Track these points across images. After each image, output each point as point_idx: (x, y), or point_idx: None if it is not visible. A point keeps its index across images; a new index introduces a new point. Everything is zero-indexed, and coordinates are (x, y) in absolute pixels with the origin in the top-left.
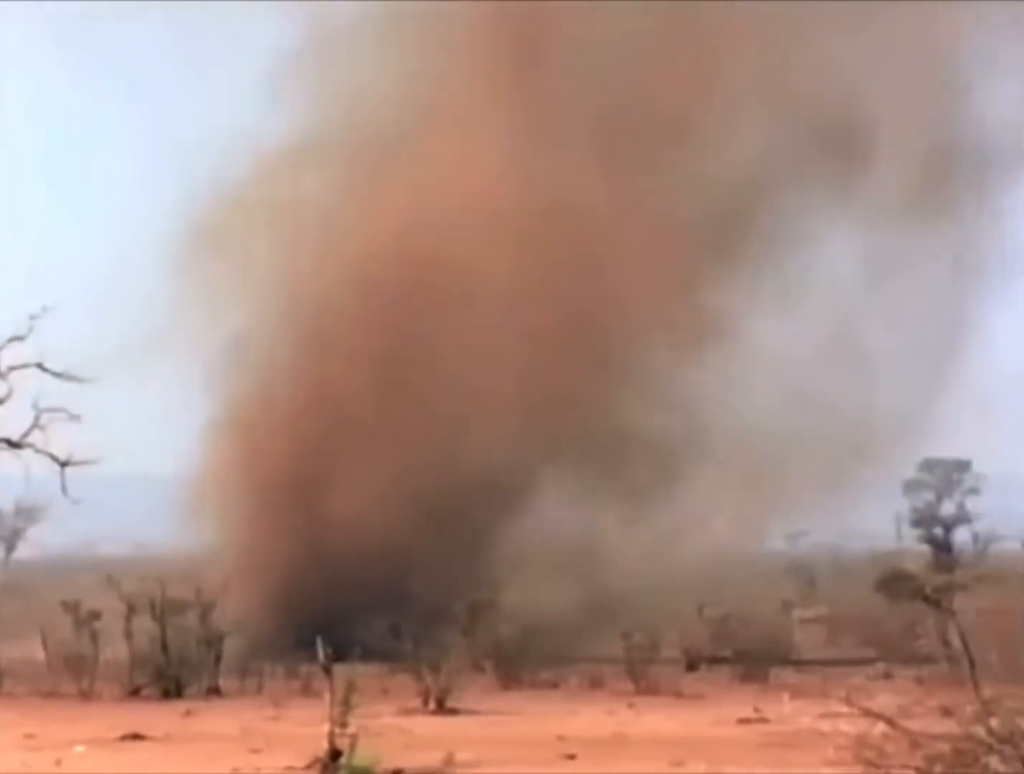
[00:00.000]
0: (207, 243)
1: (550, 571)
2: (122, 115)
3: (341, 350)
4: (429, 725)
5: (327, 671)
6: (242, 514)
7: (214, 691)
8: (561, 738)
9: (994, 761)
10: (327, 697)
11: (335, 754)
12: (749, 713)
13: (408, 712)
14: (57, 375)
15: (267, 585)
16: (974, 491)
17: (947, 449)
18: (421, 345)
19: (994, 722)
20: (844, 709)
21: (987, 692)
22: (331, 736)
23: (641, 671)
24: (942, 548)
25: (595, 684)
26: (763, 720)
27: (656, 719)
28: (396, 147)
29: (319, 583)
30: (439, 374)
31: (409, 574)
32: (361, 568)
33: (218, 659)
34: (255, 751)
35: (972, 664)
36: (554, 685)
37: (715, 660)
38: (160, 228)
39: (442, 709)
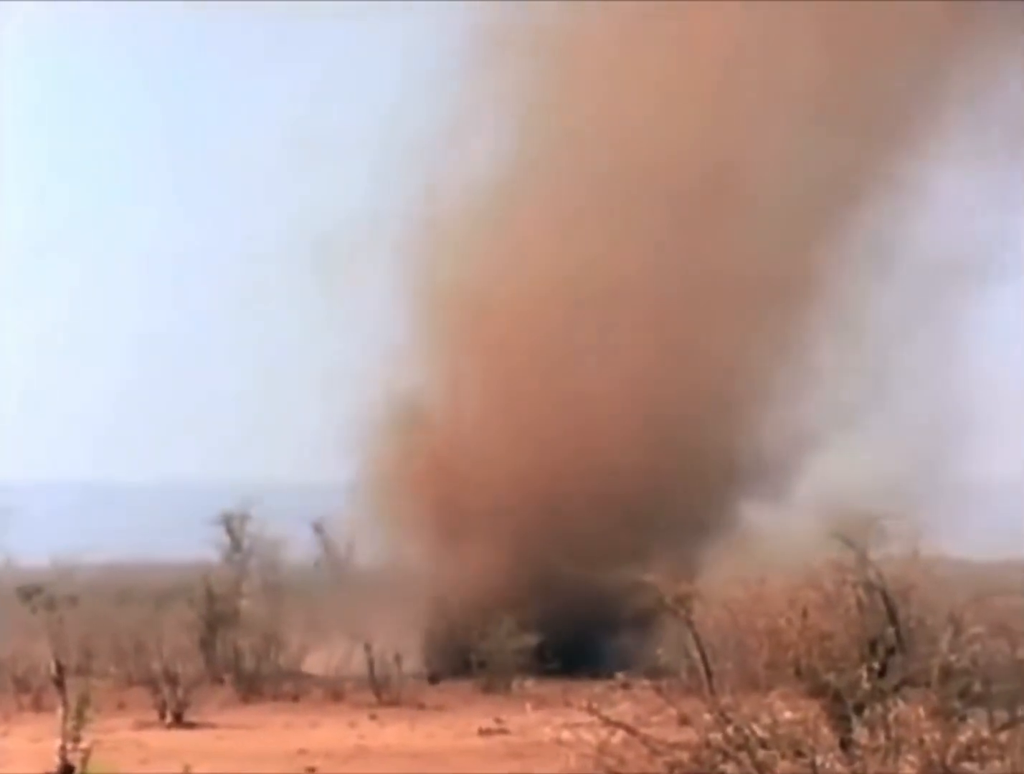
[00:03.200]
0: None
1: None
2: None
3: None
4: (166, 739)
5: (59, 684)
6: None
7: None
8: (302, 751)
9: (731, 768)
10: (60, 711)
11: (67, 769)
12: (491, 724)
13: (144, 726)
14: None
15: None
16: None
17: None
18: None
19: (731, 730)
20: (586, 718)
21: (724, 700)
22: (63, 751)
23: (383, 683)
24: None
25: (337, 696)
26: (504, 731)
27: (398, 731)
28: None
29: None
30: None
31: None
32: None
33: None
34: None
35: (709, 673)
36: (295, 698)
37: (457, 671)
38: None
39: (180, 723)
